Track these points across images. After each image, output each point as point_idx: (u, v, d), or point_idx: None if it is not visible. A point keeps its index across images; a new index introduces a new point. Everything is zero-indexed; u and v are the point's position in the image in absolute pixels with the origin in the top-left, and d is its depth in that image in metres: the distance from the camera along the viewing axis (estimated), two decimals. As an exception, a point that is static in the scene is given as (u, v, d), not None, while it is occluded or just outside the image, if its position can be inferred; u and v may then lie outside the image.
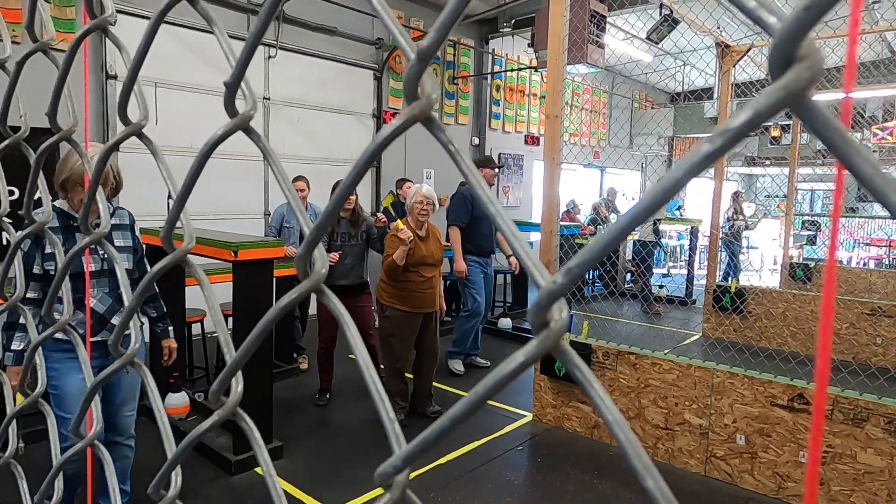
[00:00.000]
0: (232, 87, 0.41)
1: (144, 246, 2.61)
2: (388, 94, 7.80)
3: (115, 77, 5.27)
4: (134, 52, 0.46)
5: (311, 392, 4.52)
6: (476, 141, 9.27)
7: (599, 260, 0.23)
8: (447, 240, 4.88)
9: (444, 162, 8.62)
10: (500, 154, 9.71)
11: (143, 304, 2.52)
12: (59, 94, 0.57)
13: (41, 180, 0.66)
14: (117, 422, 2.44)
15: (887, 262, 10.10)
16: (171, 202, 0.44)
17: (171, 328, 2.68)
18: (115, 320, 2.33)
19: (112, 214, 2.40)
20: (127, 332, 0.51)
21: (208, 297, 0.44)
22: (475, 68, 9.09)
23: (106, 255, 2.30)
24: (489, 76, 9.30)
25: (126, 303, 2.14)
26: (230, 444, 3.29)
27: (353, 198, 4.05)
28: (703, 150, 0.21)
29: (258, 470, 3.23)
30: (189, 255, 0.43)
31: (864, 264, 9.75)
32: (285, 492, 2.96)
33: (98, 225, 2.39)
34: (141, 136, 0.50)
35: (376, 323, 4.10)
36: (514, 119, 10.01)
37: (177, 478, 0.45)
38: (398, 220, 3.85)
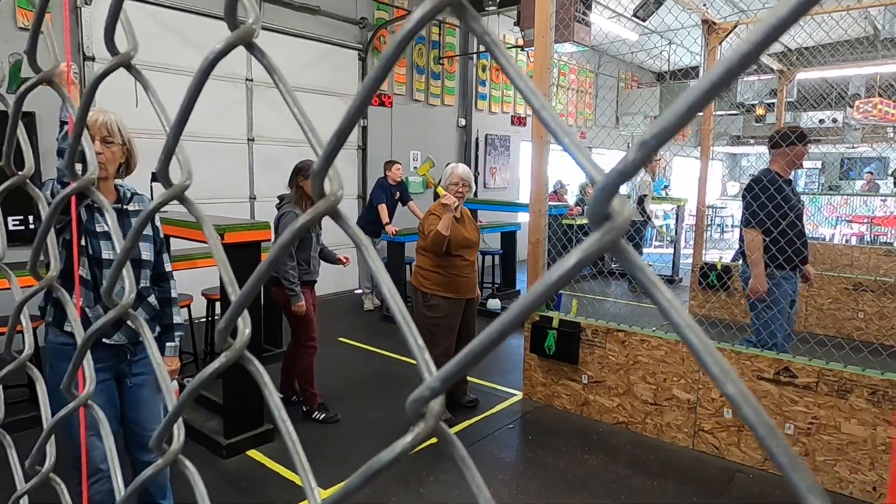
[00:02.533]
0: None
1: (164, 238, 2.38)
2: (373, 75, 7.69)
3: (93, 59, 5.15)
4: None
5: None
6: (462, 122, 9.21)
7: (679, 130, 0.21)
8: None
9: (431, 142, 8.57)
10: (486, 135, 9.66)
11: (153, 283, 2.24)
12: (36, 34, 0.54)
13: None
14: (145, 440, 2.23)
15: (868, 238, 10.25)
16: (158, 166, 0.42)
17: (171, 344, 2.27)
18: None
19: (130, 199, 2.17)
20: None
21: (209, 236, 0.42)
22: (461, 48, 9.00)
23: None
24: (475, 56, 9.21)
25: (147, 298, 2.01)
26: (221, 428, 3.28)
27: None
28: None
29: (250, 453, 3.23)
30: (187, 194, 0.41)
31: (847, 241, 9.89)
32: (277, 474, 2.95)
33: (119, 209, 2.28)
34: (130, 67, 0.47)
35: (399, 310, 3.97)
36: (501, 99, 9.95)
37: (179, 431, 0.44)
38: (439, 188, 3.72)
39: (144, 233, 2.17)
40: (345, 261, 3.97)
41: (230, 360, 0.36)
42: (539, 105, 0.25)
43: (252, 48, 0.35)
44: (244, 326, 0.37)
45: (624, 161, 0.22)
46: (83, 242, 2.03)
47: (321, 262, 3.80)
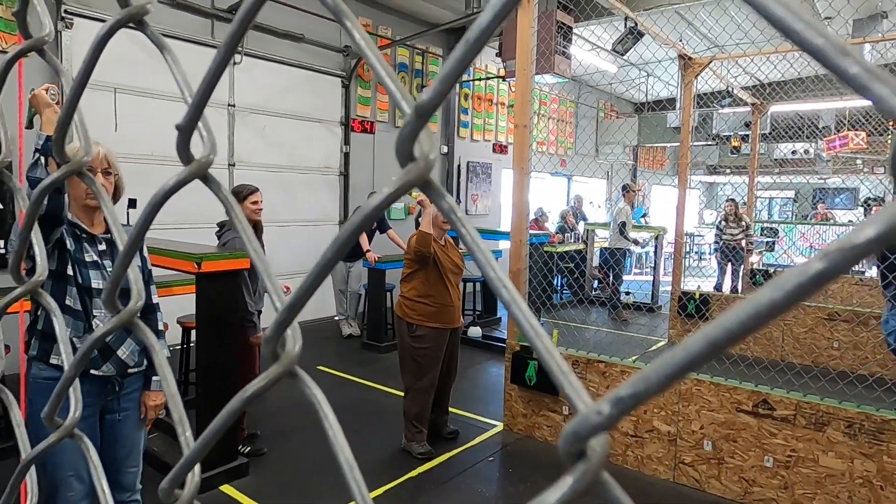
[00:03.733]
0: (186, 131, 0.36)
1: (152, 269, 2.32)
2: (356, 102, 7.75)
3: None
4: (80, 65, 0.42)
5: (273, 408, 4.42)
6: (444, 149, 9.29)
7: (659, 394, 0.20)
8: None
9: (412, 170, 8.60)
10: (468, 162, 9.74)
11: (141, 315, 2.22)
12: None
13: None
14: (121, 479, 2.17)
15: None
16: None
17: (157, 378, 2.18)
18: (123, 352, 2.06)
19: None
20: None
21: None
22: (443, 77, 9.11)
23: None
24: (458, 85, 9.33)
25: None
26: (193, 462, 3.18)
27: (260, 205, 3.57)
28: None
29: (223, 488, 3.13)
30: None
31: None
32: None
33: (108, 239, 2.23)
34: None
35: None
36: (483, 127, 10.07)
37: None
38: (413, 193, 3.69)
39: (135, 263, 2.12)
40: (286, 290, 3.91)
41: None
42: (508, 298, 0.25)
43: (207, 181, 0.34)
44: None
45: (597, 414, 0.21)
46: (70, 272, 1.98)
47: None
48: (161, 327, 2.28)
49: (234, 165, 6.43)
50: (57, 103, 1.97)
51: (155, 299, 2.25)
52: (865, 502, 2.85)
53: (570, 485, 0.21)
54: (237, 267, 3.19)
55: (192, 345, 4.30)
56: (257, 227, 3.59)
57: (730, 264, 8.02)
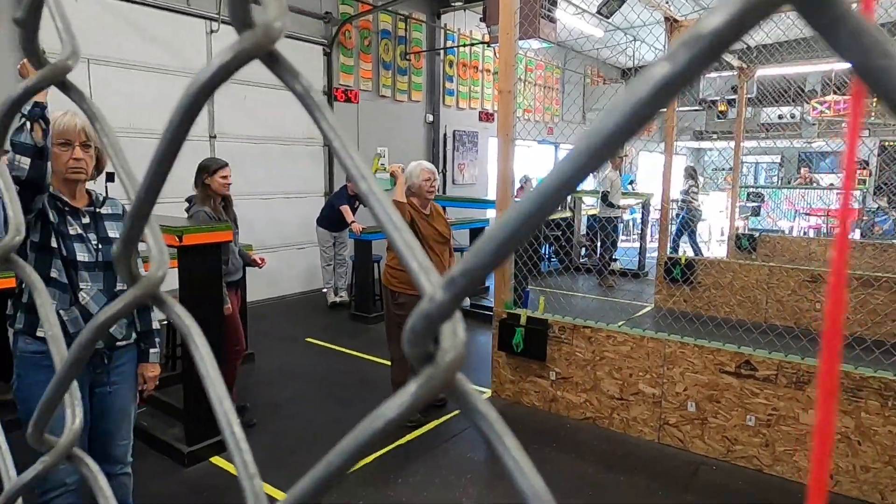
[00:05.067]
0: (27, 23, 0.32)
1: None
2: (339, 70, 7.60)
3: (43, 52, 4.94)
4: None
5: (262, 380, 4.43)
6: (430, 118, 9.17)
7: (496, 265, 0.17)
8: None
9: (398, 139, 8.51)
10: (454, 131, 9.64)
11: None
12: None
13: None
14: (111, 451, 2.17)
15: (825, 231, 10.59)
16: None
17: (154, 350, 2.24)
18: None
19: (102, 203, 2.13)
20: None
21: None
22: (427, 44, 8.95)
23: (100, 245, 2.04)
24: (442, 52, 9.17)
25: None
26: (182, 436, 3.19)
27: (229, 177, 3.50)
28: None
29: (213, 460, 3.15)
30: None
31: (805, 233, 10.19)
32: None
33: (92, 212, 2.19)
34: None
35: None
36: (468, 95, 9.94)
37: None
38: (389, 167, 3.68)
39: (117, 235, 2.10)
40: (260, 262, 3.90)
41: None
42: (366, 189, 0.23)
43: (66, 88, 0.31)
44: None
45: (430, 302, 0.18)
46: (54, 244, 1.96)
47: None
48: (152, 328, 2.27)
49: (214, 137, 6.31)
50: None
51: (142, 272, 2.23)
52: (843, 457, 2.93)
53: (411, 394, 0.18)
54: (218, 240, 3.15)
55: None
56: (227, 201, 3.56)
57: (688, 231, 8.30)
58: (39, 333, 1.96)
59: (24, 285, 2.00)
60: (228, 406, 0.25)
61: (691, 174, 8.52)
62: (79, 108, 0.32)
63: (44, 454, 0.30)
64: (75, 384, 0.32)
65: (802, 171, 12.03)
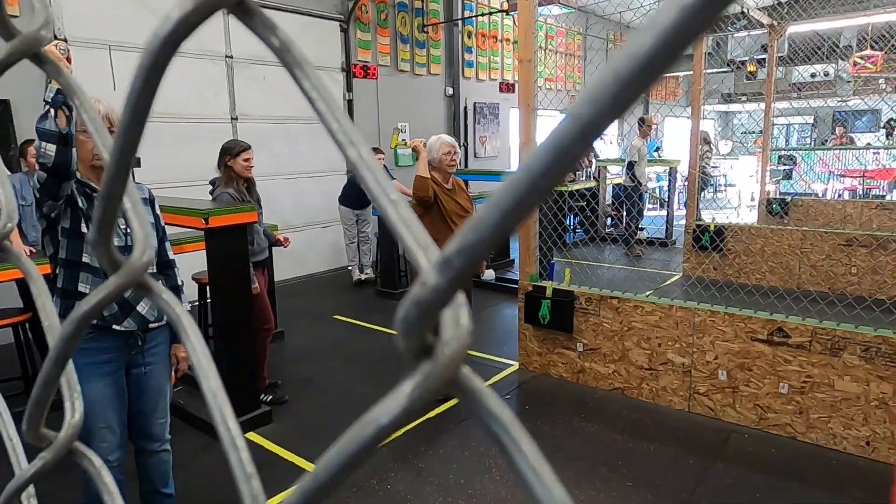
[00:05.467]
0: None
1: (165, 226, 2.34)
2: (357, 47, 7.53)
3: (66, 40, 5.00)
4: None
5: (294, 356, 4.51)
6: (450, 91, 9.06)
7: (499, 239, 0.15)
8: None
9: (418, 113, 8.44)
10: (475, 103, 9.52)
11: (158, 271, 2.22)
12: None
13: None
14: (149, 430, 2.25)
15: (861, 192, 10.24)
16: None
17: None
18: (143, 307, 2.10)
19: None
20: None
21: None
22: (445, 14, 8.79)
23: (129, 230, 2.08)
24: (460, 22, 9.01)
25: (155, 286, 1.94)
26: (218, 412, 3.28)
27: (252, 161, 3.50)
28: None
29: (248, 436, 3.24)
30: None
31: (839, 195, 9.88)
32: (277, 455, 2.96)
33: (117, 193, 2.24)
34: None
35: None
36: (488, 66, 9.78)
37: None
38: (410, 142, 3.66)
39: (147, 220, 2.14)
40: (284, 242, 3.93)
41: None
42: (355, 156, 0.20)
43: (40, 60, 0.29)
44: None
45: (424, 287, 0.16)
46: (85, 229, 2.01)
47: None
48: (180, 282, 2.32)
49: (236, 119, 6.34)
50: (67, 59, 1.95)
51: (171, 255, 2.29)
52: (881, 423, 2.87)
53: (406, 395, 0.16)
54: (244, 220, 3.19)
55: (208, 300, 4.37)
56: (250, 183, 3.59)
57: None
58: None
59: (58, 270, 2.05)
60: (223, 400, 0.24)
61: (705, 139, 8.32)
62: (56, 80, 0.31)
63: (42, 450, 0.29)
64: (74, 377, 0.32)
65: (838, 130, 11.59)
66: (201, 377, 0.24)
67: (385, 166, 6.40)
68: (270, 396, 3.63)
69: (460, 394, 0.17)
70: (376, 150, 6.36)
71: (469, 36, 9.32)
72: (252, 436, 3.24)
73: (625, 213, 8.03)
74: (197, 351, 0.25)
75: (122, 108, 0.22)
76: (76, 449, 0.30)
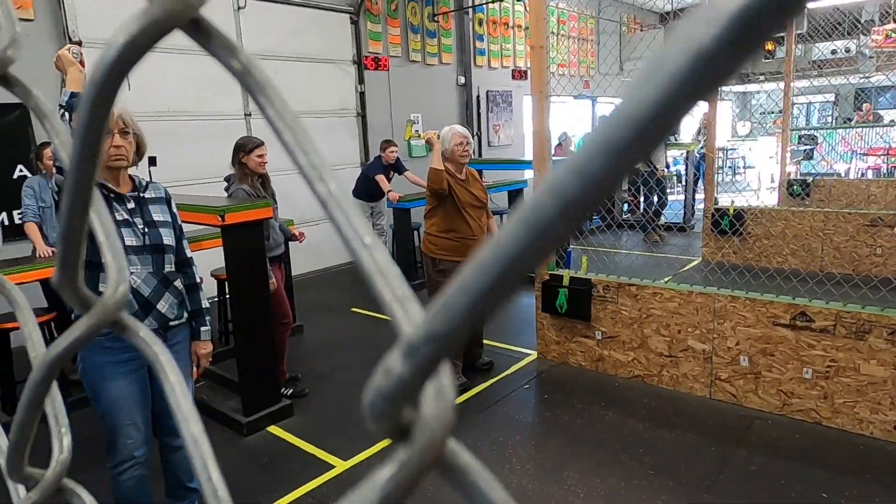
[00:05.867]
0: None
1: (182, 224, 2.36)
2: (367, 38, 7.50)
3: (80, 43, 5.05)
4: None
5: (313, 349, 4.55)
6: (462, 80, 9.00)
7: (471, 326, 0.13)
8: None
9: (431, 104, 8.40)
10: (487, 91, 9.45)
11: (176, 269, 2.24)
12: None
13: None
14: (173, 425, 2.23)
15: (885, 171, 10.00)
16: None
17: (205, 328, 2.30)
18: (162, 306, 2.12)
19: (145, 188, 2.19)
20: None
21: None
22: (455, 3, 8.72)
23: (146, 229, 2.11)
24: (470, 10, 8.92)
25: (174, 283, 1.96)
26: (240, 407, 3.32)
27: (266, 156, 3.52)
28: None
29: (270, 429, 3.28)
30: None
31: (863, 175, 9.66)
32: (299, 448, 2.98)
33: (136, 197, 2.23)
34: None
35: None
36: (500, 54, 9.69)
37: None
38: (422, 134, 3.66)
39: (164, 219, 2.19)
40: (300, 236, 3.94)
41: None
42: (324, 192, 0.19)
43: (7, 83, 0.27)
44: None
45: (388, 379, 0.14)
46: None
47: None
48: (198, 279, 2.34)
49: (249, 115, 6.37)
50: (80, 62, 1.98)
51: (188, 253, 2.30)
52: (908, 407, 2.81)
53: (379, 488, 0.14)
54: (259, 217, 3.20)
55: (227, 296, 4.41)
56: (265, 178, 3.61)
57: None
58: None
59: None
60: (205, 448, 0.22)
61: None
62: (26, 104, 0.29)
63: (29, 490, 0.28)
64: (62, 408, 0.31)
65: (865, 106, 11.25)
66: (181, 420, 0.23)
67: (398, 158, 6.38)
68: (291, 390, 3.66)
69: (447, 473, 0.15)
70: (389, 143, 6.33)
71: (480, 23, 9.24)
72: (274, 429, 3.27)
73: (642, 199, 7.92)
74: (176, 392, 0.23)
75: (73, 144, 0.21)
76: (66, 487, 0.29)
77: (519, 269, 0.12)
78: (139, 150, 2.15)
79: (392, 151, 6.23)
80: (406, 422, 0.14)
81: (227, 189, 3.62)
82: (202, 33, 0.19)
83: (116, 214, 2.07)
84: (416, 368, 0.13)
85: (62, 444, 0.28)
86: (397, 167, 6.34)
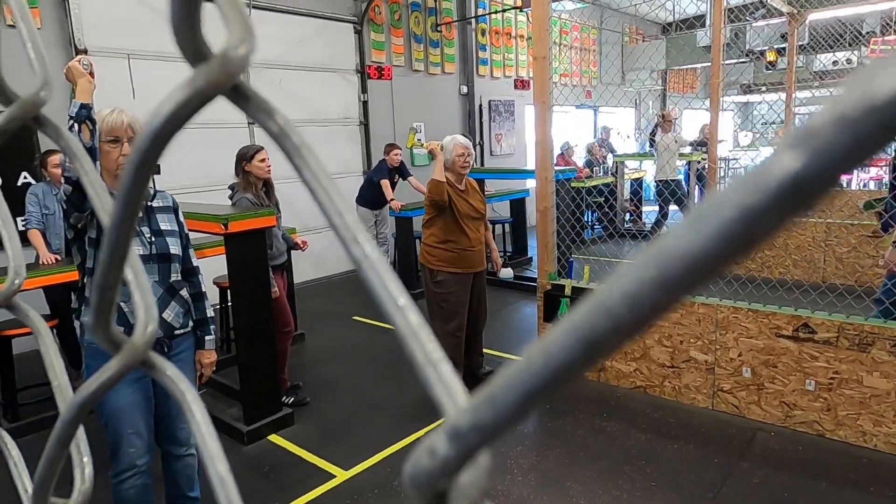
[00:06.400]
0: None
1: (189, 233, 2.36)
2: (371, 48, 7.55)
3: (86, 51, 5.08)
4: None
5: (314, 358, 4.54)
6: (465, 89, 9.04)
7: (517, 421, 0.14)
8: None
9: (433, 113, 8.44)
10: (489, 101, 9.48)
11: (182, 278, 2.24)
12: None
13: None
14: (176, 434, 2.27)
15: (886, 181, 9.99)
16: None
17: (210, 337, 2.32)
18: (168, 314, 2.13)
19: (153, 196, 2.20)
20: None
21: None
22: (458, 13, 8.77)
23: (153, 238, 2.12)
24: (473, 20, 8.98)
25: (180, 292, 1.96)
26: (241, 415, 3.32)
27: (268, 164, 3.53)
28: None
29: (271, 438, 3.27)
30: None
31: (864, 186, 9.66)
32: (299, 457, 2.97)
33: (143, 206, 2.24)
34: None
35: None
36: (503, 63, 9.74)
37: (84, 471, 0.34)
38: (425, 144, 3.71)
39: (171, 228, 2.19)
40: (302, 245, 3.94)
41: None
42: (359, 254, 0.19)
43: (40, 123, 0.28)
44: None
45: (432, 459, 0.15)
46: None
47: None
48: (204, 289, 2.34)
49: (253, 124, 6.40)
50: (90, 73, 1.99)
51: (195, 262, 2.31)
52: (912, 420, 2.80)
53: None
54: (263, 225, 3.21)
55: (229, 304, 4.41)
56: (269, 186, 3.62)
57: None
58: None
59: (85, 279, 2.09)
60: (231, 489, 0.23)
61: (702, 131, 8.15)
62: (56, 144, 0.30)
63: None
64: (84, 438, 0.31)
65: None
66: (207, 459, 0.23)
67: (402, 162, 6.40)
68: (292, 398, 3.66)
69: None
70: (393, 146, 6.34)
71: (483, 34, 9.29)
72: (274, 438, 3.26)
73: (671, 206, 7.74)
74: (202, 431, 0.24)
75: (114, 205, 0.21)
76: None
77: (565, 378, 0.13)
78: None
79: (396, 154, 6.24)
80: (441, 490, 0.15)
81: (231, 197, 3.63)
82: (241, 97, 0.19)
83: None
84: (460, 454, 0.14)
85: (84, 474, 0.28)
86: (402, 171, 6.34)
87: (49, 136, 0.30)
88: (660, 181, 7.67)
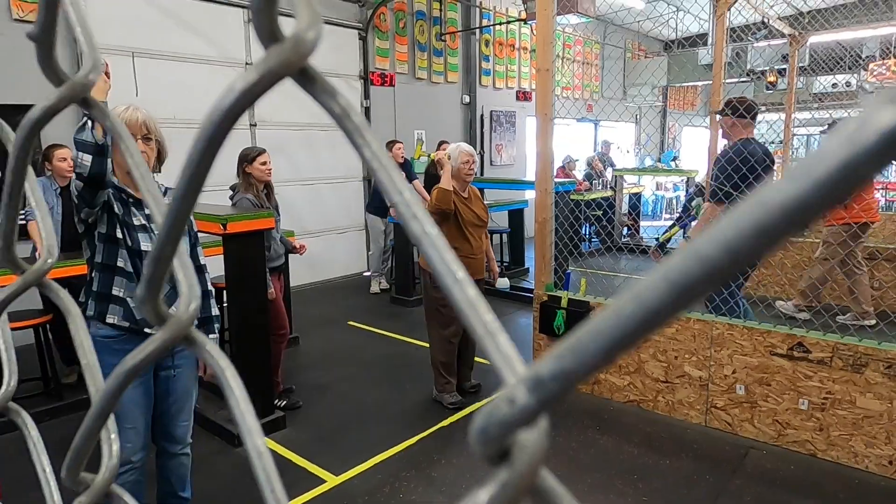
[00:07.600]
0: (42, 40, 0.29)
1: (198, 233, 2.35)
2: (375, 54, 7.59)
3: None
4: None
5: (308, 362, 4.53)
6: (467, 99, 9.08)
7: (601, 368, 0.14)
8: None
9: (435, 121, 8.47)
10: (491, 111, 9.53)
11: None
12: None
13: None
14: (173, 431, 2.28)
15: (883, 204, 10.06)
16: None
17: (213, 336, 2.30)
18: (174, 311, 2.13)
19: (165, 193, 2.22)
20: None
21: None
22: (463, 23, 8.83)
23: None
24: (477, 31, 9.04)
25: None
26: (232, 417, 3.29)
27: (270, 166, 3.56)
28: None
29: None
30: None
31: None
32: (290, 461, 2.96)
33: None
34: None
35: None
36: (505, 75, 9.79)
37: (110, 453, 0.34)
38: (432, 154, 3.70)
39: None
40: (300, 248, 3.95)
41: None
42: (418, 231, 0.20)
43: (88, 105, 0.29)
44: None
45: (510, 404, 0.16)
46: (120, 234, 2.05)
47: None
48: (210, 287, 2.34)
49: (255, 125, 6.41)
50: (105, 73, 2.00)
51: (202, 260, 2.31)
52: (905, 442, 2.81)
53: (493, 492, 0.15)
54: (261, 227, 3.21)
55: (225, 304, 4.40)
56: (269, 189, 3.63)
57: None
58: (109, 320, 2.04)
59: (94, 273, 2.09)
60: (268, 463, 0.24)
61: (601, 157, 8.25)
62: (103, 123, 0.31)
63: (80, 493, 0.29)
64: (112, 419, 0.31)
65: None
66: (245, 433, 0.24)
67: (406, 161, 6.42)
68: (284, 402, 3.64)
69: (537, 496, 0.17)
70: (395, 142, 6.36)
71: (487, 44, 9.35)
72: (266, 441, 3.24)
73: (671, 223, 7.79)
74: (241, 406, 0.24)
75: (179, 176, 0.22)
76: (113, 492, 0.30)
77: (655, 323, 0.13)
78: (160, 157, 2.18)
79: (398, 149, 6.25)
80: (506, 446, 0.15)
81: (231, 198, 3.64)
82: (308, 80, 0.20)
83: (135, 219, 2.09)
84: (541, 401, 0.14)
85: (112, 450, 0.29)
86: (407, 170, 6.34)
87: (96, 117, 0.31)
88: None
